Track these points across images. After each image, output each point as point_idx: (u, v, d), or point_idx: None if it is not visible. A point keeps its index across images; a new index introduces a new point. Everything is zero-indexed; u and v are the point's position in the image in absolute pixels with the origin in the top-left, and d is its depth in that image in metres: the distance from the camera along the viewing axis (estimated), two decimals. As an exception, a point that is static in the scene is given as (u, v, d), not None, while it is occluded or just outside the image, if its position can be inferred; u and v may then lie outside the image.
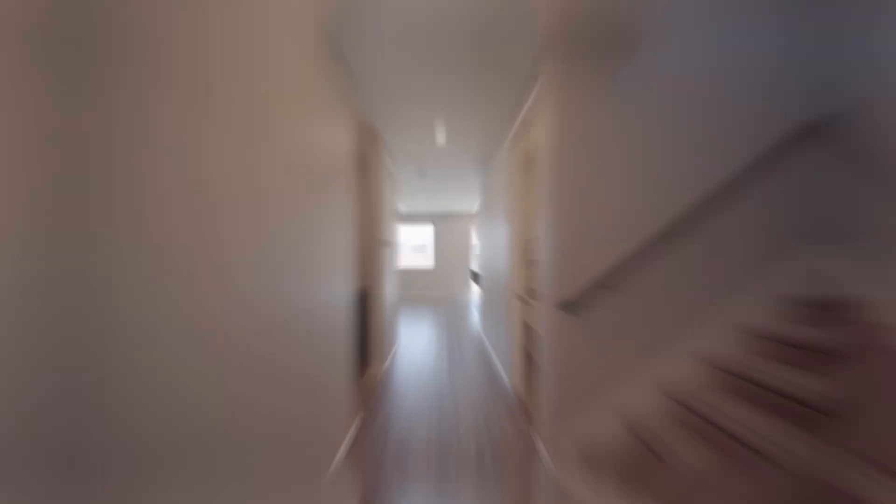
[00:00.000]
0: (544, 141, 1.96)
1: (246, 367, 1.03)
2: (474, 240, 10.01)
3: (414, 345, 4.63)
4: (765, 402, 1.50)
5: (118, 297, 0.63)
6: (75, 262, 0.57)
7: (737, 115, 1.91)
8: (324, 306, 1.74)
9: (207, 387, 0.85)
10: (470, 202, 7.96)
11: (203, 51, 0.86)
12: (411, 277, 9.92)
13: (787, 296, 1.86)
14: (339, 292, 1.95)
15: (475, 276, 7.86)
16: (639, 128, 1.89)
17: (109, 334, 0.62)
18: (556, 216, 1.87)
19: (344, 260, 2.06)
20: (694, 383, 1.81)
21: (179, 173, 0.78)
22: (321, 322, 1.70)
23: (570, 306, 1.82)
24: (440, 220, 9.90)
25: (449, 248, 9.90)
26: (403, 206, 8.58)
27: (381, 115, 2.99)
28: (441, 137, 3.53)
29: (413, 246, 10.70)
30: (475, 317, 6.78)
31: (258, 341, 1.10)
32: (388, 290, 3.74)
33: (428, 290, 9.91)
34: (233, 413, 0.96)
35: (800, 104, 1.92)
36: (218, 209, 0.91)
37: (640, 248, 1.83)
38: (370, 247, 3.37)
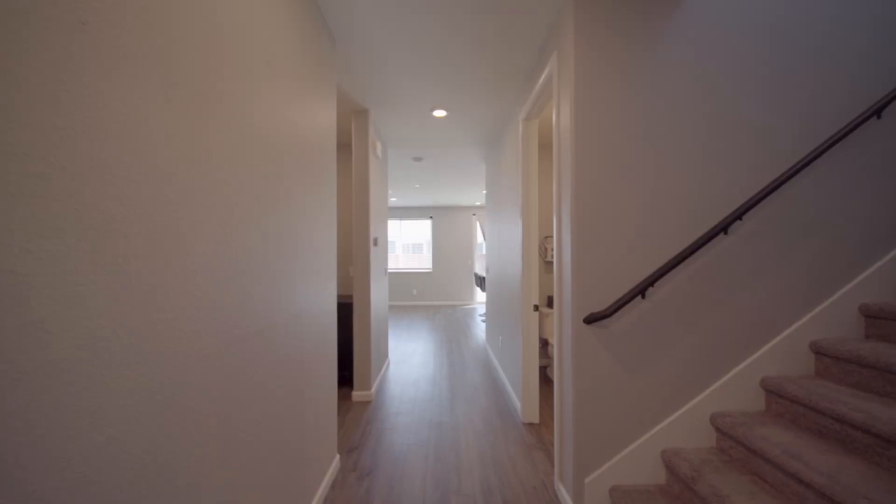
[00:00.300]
0: (563, 120, 1.84)
1: (211, 386, 1.01)
2: (479, 238, 9.91)
3: (408, 362, 4.52)
4: (843, 438, 1.39)
5: (55, 303, 0.61)
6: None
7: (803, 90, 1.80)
8: (302, 316, 1.64)
9: (158, 407, 0.83)
10: (473, 193, 7.86)
11: (158, 15, 0.82)
12: (406, 281, 9.82)
13: (875, 309, 1.75)
14: (320, 300, 1.84)
15: (480, 281, 7.75)
16: (680, 106, 1.77)
17: (45, 348, 0.60)
18: (577, 210, 1.75)
19: (326, 262, 1.95)
20: (755, 416, 1.70)
21: (135, 162, 0.77)
22: (298, 335, 1.60)
23: (598, 320, 1.70)
24: (439, 215, 9.80)
25: (449, 247, 9.80)
26: (396, 199, 8.47)
27: (370, 89, 2.88)
28: (440, 114, 3.42)
29: (407, 245, 10.61)
30: (480, 328, 6.68)
31: (221, 358, 1.07)
32: (378, 297, 3.63)
33: (425, 297, 9.81)
34: (187, 440, 0.91)
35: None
36: (181, 205, 0.90)
37: (687, 250, 1.71)
38: (356, 246, 3.25)
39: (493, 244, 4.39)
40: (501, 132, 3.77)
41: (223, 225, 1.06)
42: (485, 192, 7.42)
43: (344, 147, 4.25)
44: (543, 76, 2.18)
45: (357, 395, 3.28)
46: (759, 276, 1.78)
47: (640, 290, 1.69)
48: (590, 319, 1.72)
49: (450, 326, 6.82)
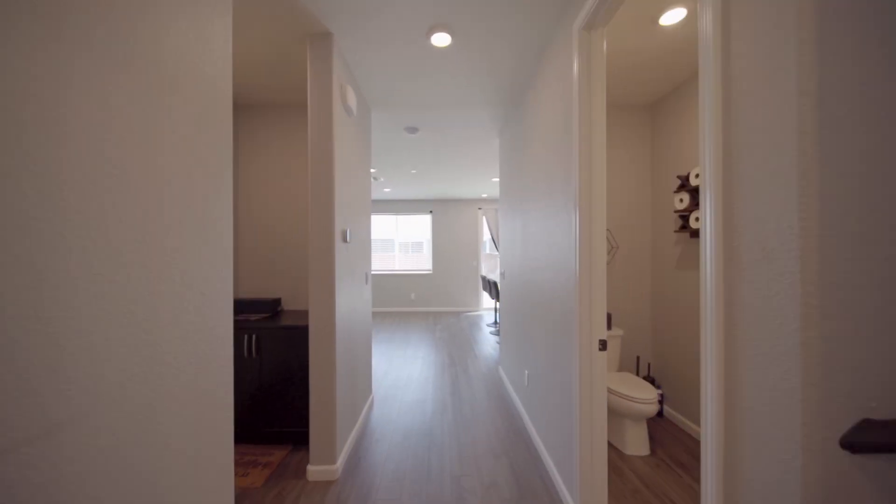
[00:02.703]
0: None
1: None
2: (486, 235, 8.78)
3: (399, 399, 3.39)
4: None
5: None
6: None
7: None
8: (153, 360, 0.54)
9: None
10: (479, 184, 6.70)
11: None
12: (403, 284, 8.69)
13: None
14: (177, 328, 0.74)
15: (488, 285, 6.62)
16: None
17: None
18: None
19: (208, 260, 0.84)
20: None
21: None
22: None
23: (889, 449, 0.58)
24: (440, 209, 8.67)
25: (451, 246, 8.67)
26: (390, 189, 7.34)
27: (340, 17, 1.75)
28: (441, 40, 2.27)
29: (406, 243, 9.47)
30: (488, 341, 5.53)
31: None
32: (351, 315, 2.50)
33: (424, 302, 8.67)
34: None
35: None
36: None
37: None
38: (312, 242, 2.12)
39: (512, 242, 3.27)
40: (531, 76, 2.62)
41: None
42: (497, 179, 6.28)
43: (301, 106, 3.11)
44: None
45: (314, 470, 2.14)
46: None
47: None
48: (862, 443, 0.59)
49: (453, 341, 5.68)
